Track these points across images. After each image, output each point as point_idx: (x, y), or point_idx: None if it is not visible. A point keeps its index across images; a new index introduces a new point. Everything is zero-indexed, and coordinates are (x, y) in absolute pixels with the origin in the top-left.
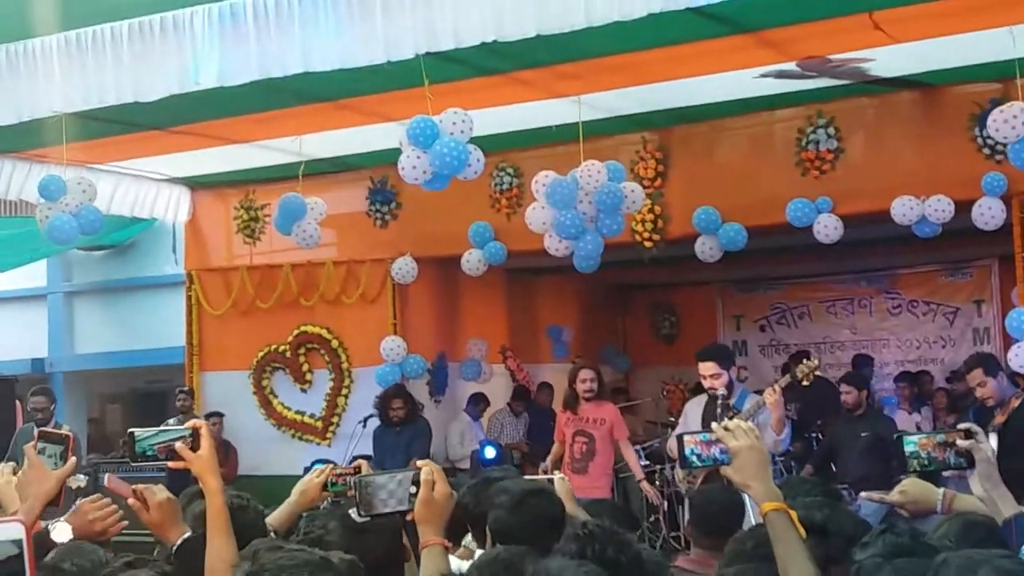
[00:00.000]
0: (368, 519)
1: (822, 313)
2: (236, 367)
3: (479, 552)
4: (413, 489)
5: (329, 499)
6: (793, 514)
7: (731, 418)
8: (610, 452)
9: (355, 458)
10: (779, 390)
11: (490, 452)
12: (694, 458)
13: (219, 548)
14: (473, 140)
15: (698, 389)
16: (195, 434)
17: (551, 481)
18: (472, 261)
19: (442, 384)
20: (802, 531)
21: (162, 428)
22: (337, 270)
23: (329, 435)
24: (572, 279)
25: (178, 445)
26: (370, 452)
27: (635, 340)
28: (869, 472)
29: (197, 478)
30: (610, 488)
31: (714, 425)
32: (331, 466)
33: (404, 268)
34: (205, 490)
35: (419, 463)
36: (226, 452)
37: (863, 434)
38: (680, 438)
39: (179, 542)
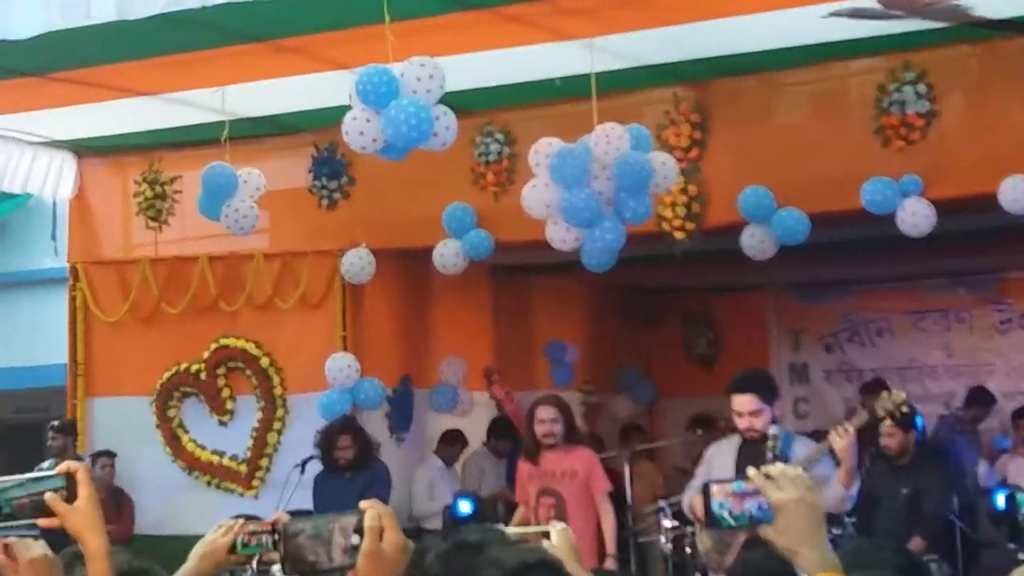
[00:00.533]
0: None
1: (908, 329)
2: (134, 392)
3: None
4: (356, 539)
5: (252, 566)
6: None
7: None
8: (589, 515)
9: (290, 514)
10: (852, 431)
11: (465, 507)
12: (724, 515)
13: None
14: (448, 97)
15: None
16: (70, 480)
17: (545, 535)
18: (448, 255)
19: (406, 417)
20: None
21: (28, 477)
22: (269, 265)
23: (256, 483)
24: (580, 281)
25: (48, 496)
26: (310, 506)
27: (662, 362)
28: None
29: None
30: (598, 559)
31: (751, 471)
32: (240, 521)
33: (358, 263)
34: (85, 553)
35: (363, 504)
36: (118, 504)
37: (903, 490)
38: (706, 489)
39: None
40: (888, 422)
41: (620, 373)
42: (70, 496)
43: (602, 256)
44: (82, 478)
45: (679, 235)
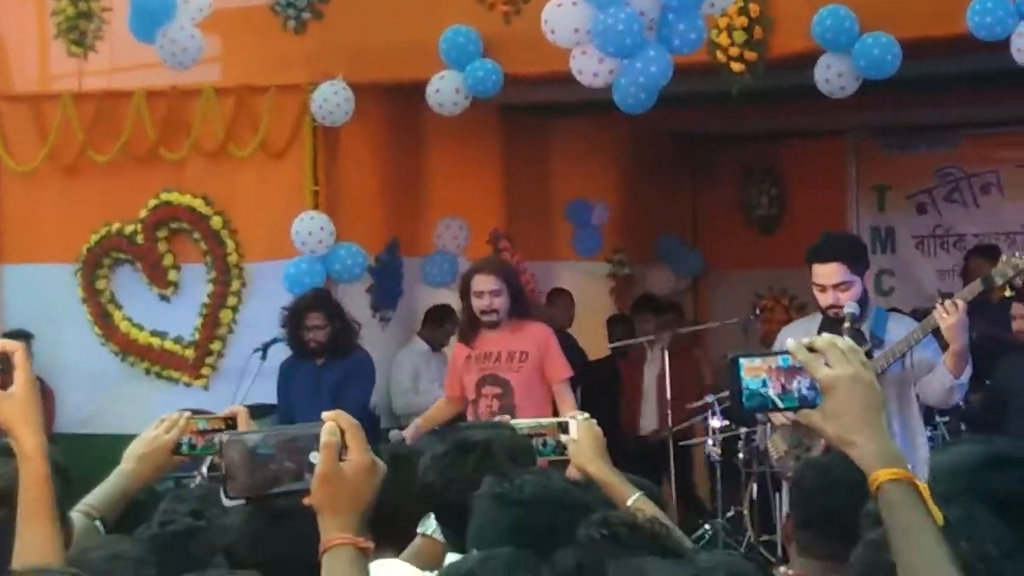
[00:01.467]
0: (242, 502)
1: (1020, 184)
2: (54, 258)
3: (452, 557)
4: (314, 457)
5: (201, 471)
6: (923, 487)
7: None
8: (544, 408)
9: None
10: (962, 305)
11: None
12: (766, 394)
13: (38, 541)
14: None
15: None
16: (4, 363)
17: (562, 428)
18: (446, 91)
19: (392, 292)
20: (938, 514)
21: None
22: (222, 102)
23: (206, 371)
24: (612, 126)
25: None
26: (273, 399)
27: (713, 226)
28: None
29: (3, 431)
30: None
31: (790, 342)
32: (186, 415)
33: (332, 101)
34: (18, 450)
35: (325, 415)
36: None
37: None
38: (735, 363)
39: None
40: (1019, 304)
41: (660, 240)
42: (3, 381)
43: (641, 94)
44: (19, 360)
45: (737, 67)
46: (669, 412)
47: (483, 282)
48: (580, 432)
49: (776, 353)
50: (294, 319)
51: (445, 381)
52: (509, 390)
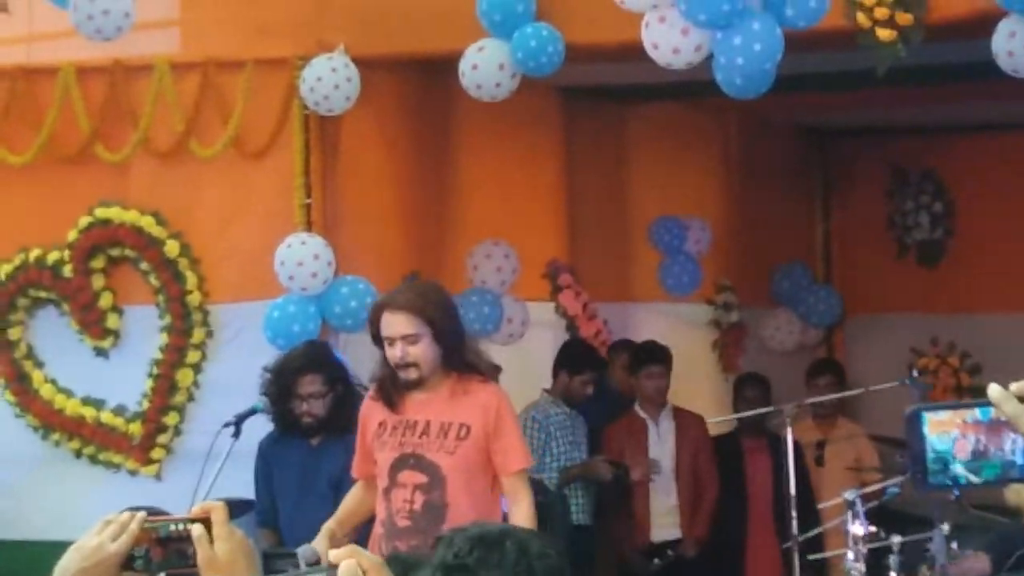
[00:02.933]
0: None
1: None
2: None
3: None
4: None
5: None
6: None
7: None
8: (488, 506)
9: (226, 503)
10: None
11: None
12: (961, 468)
13: None
14: None
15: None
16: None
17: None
18: (486, 67)
19: None
20: None
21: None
22: (181, 81)
23: (157, 454)
24: (713, 116)
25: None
26: (250, 492)
27: (852, 255)
28: None
29: None
30: None
31: (993, 388)
32: (139, 515)
33: (331, 80)
34: None
35: (335, 555)
36: None
37: None
38: (916, 418)
39: None
40: None
41: (780, 273)
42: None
43: (747, 76)
44: (218, 522)
45: (885, 35)
46: (793, 514)
47: (393, 323)
48: (219, 538)
49: (972, 404)
50: (281, 385)
51: (354, 460)
52: (438, 479)
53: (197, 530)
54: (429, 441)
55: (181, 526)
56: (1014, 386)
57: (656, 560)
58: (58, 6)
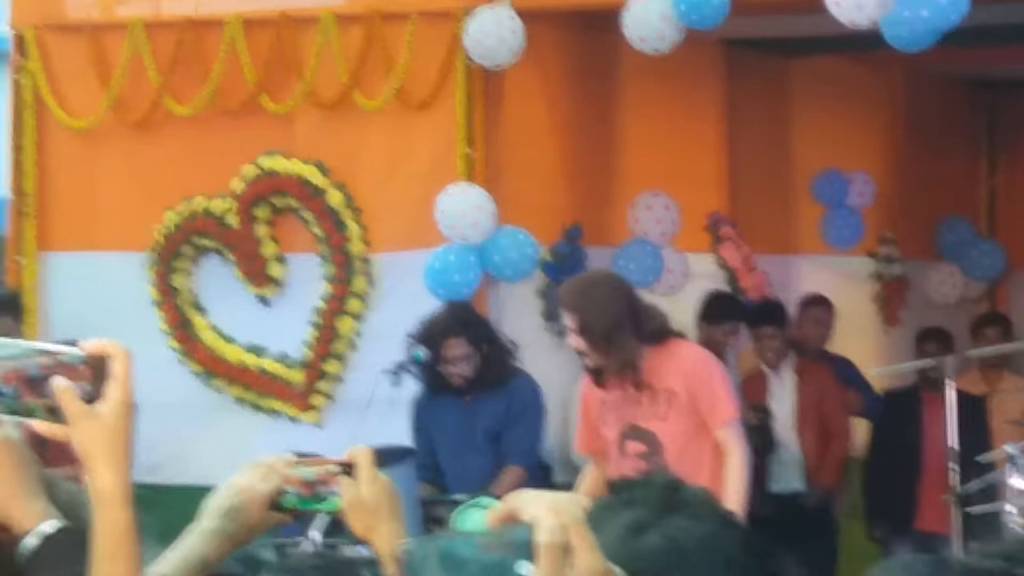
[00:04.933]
0: None
1: None
2: (118, 245)
3: None
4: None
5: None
6: None
7: None
8: (704, 465)
9: (378, 452)
10: None
11: None
12: None
13: None
14: None
15: None
16: (96, 366)
17: (346, 471)
18: (648, 19)
19: None
20: None
21: (41, 347)
22: (346, 33)
23: (318, 401)
24: (877, 68)
25: (59, 386)
26: (408, 440)
27: (1017, 208)
28: None
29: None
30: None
31: None
32: (288, 458)
33: (495, 32)
34: (92, 491)
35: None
36: None
37: None
38: None
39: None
40: None
41: (944, 227)
42: (92, 393)
43: (919, 26)
44: (119, 370)
45: None
46: (955, 467)
47: (565, 318)
48: (364, 482)
49: None
50: (429, 340)
51: (577, 436)
52: (656, 445)
53: (345, 481)
54: (642, 410)
55: (327, 469)
56: None
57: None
58: None
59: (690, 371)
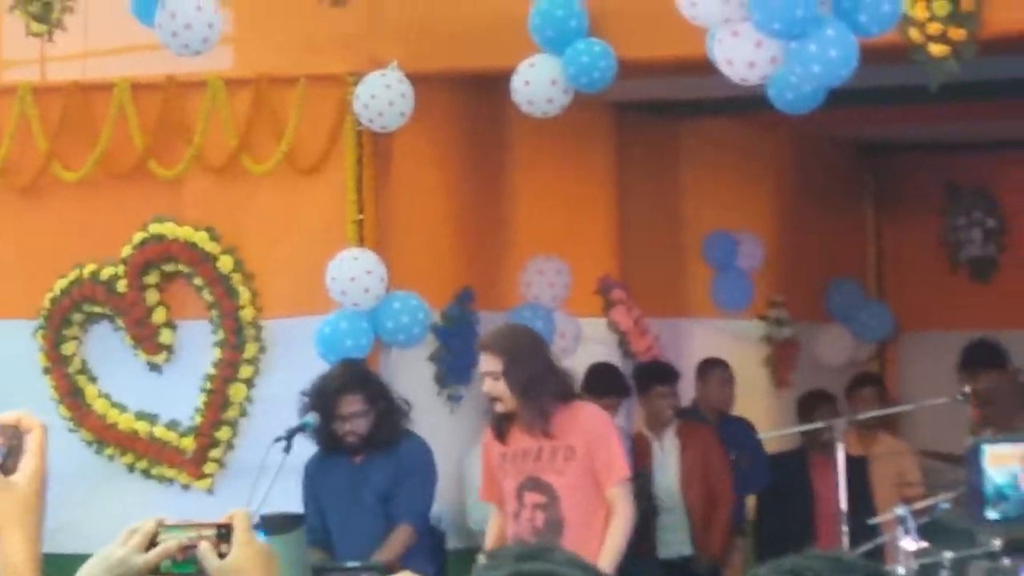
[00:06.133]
0: None
1: None
2: (6, 312)
3: None
4: None
5: None
6: None
7: None
8: (596, 520)
9: (268, 519)
10: None
11: None
12: (1013, 500)
13: None
14: None
15: None
16: (14, 440)
17: (222, 536)
18: (539, 83)
19: (465, 359)
20: None
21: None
22: (235, 97)
23: (210, 468)
24: (766, 131)
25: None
26: (299, 507)
27: (906, 270)
28: None
29: None
30: None
31: None
32: (157, 520)
33: (384, 96)
34: (5, 563)
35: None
36: None
37: None
38: (976, 451)
39: None
40: None
41: (833, 289)
42: (7, 465)
43: (806, 87)
44: (34, 444)
45: (938, 51)
46: (845, 530)
47: (482, 363)
48: (238, 544)
49: None
50: (322, 401)
51: (480, 485)
52: (554, 497)
53: (203, 547)
54: (541, 464)
55: (200, 533)
56: None
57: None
58: (145, 24)
59: (590, 429)
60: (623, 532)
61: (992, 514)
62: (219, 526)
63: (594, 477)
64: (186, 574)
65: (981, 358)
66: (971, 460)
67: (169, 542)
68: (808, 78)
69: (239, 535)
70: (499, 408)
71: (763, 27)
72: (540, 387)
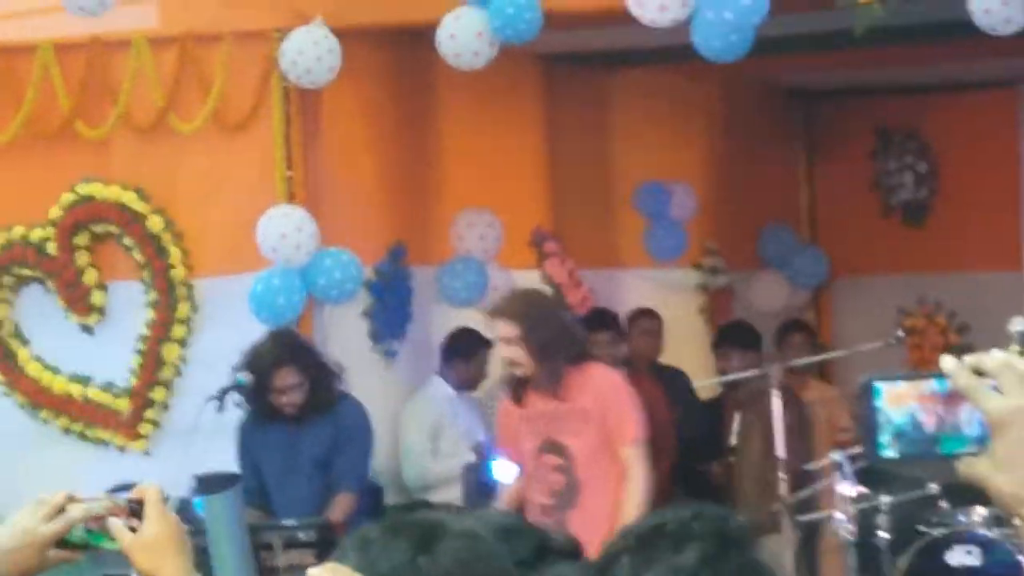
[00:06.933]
0: None
1: None
2: None
3: None
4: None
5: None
6: None
7: None
8: (611, 481)
9: (205, 478)
10: None
11: (505, 468)
12: (918, 435)
13: None
14: None
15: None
16: (136, 509)
17: (133, 510)
18: (464, 35)
19: (399, 314)
20: None
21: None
22: (160, 56)
23: (145, 429)
24: (696, 79)
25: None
26: (234, 466)
27: (838, 216)
28: None
29: None
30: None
31: (946, 360)
32: (63, 494)
33: (311, 52)
34: None
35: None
36: None
37: None
38: (870, 390)
39: None
40: None
41: (767, 236)
42: (134, 525)
43: (732, 35)
44: (151, 503)
45: None
46: (784, 476)
47: (499, 328)
48: (150, 520)
49: (928, 375)
50: (257, 369)
51: (500, 450)
52: (569, 459)
53: (113, 521)
54: (558, 425)
55: (115, 502)
56: (968, 359)
57: None
58: None
59: (604, 390)
60: (639, 495)
61: (889, 452)
62: (131, 501)
63: (608, 438)
64: (99, 545)
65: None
66: (864, 399)
67: (74, 511)
68: (720, 24)
69: (151, 510)
70: (518, 372)
71: None
72: (556, 350)
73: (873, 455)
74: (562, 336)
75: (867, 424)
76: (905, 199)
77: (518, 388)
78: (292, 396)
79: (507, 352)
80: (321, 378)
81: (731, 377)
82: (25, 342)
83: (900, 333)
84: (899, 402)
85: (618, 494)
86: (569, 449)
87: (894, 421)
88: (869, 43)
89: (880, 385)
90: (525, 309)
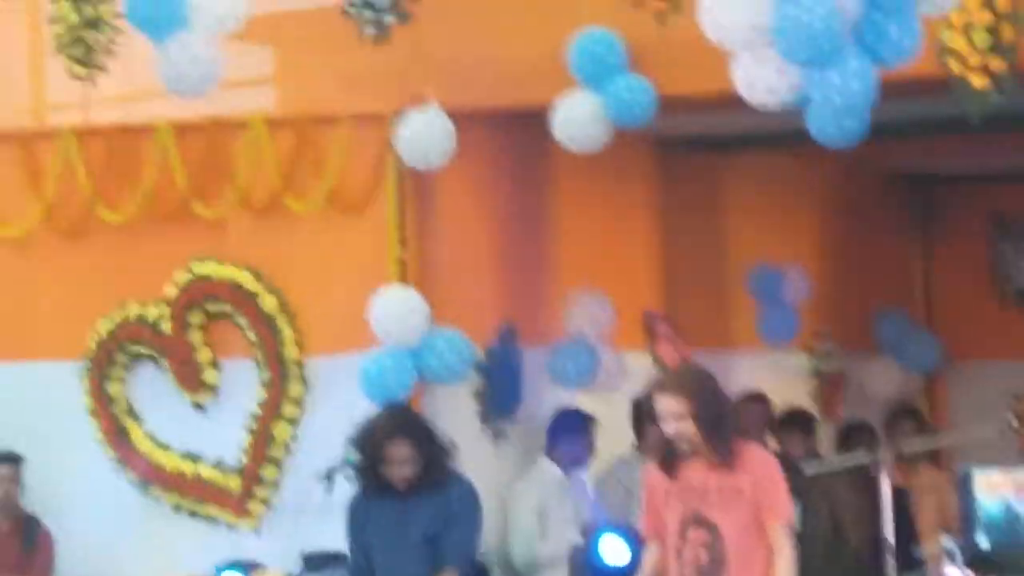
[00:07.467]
0: None
1: None
2: (52, 354)
3: None
4: None
5: None
6: None
7: None
8: (757, 559)
9: (305, 559)
10: None
11: (614, 547)
12: (1012, 522)
13: None
14: None
15: None
16: None
17: None
18: (579, 119)
19: (509, 396)
20: None
21: None
22: (277, 137)
23: (255, 507)
24: (810, 164)
25: None
26: (342, 545)
27: (954, 301)
28: None
29: None
30: None
31: None
32: None
33: (426, 134)
34: None
35: None
36: (28, 540)
37: None
38: (966, 480)
39: None
40: None
41: (880, 320)
42: None
43: (844, 120)
44: None
45: (979, 82)
46: (892, 560)
47: (666, 404)
48: None
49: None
50: (371, 449)
51: (641, 520)
52: (718, 536)
53: None
54: (708, 500)
55: None
56: None
57: None
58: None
59: (759, 469)
60: (788, 573)
61: (983, 542)
62: None
63: (758, 517)
64: None
65: None
66: (962, 488)
67: None
68: (831, 110)
69: None
70: (685, 447)
71: (788, 55)
72: (725, 426)
73: (971, 543)
74: (729, 413)
75: (965, 513)
76: (1021, 285)
77: (672, 461)
78: (404, 469)
79: (675, 427)
80: (433, 454)
81: (841, 461)
82: (138, 419)
83: (1013, 421)
84: (993, 491)
85: (765, 572)
86: (718, 526)
87: (988, 511)
88: (985, 129)
89: (975, 473)
90: (694, 385)
